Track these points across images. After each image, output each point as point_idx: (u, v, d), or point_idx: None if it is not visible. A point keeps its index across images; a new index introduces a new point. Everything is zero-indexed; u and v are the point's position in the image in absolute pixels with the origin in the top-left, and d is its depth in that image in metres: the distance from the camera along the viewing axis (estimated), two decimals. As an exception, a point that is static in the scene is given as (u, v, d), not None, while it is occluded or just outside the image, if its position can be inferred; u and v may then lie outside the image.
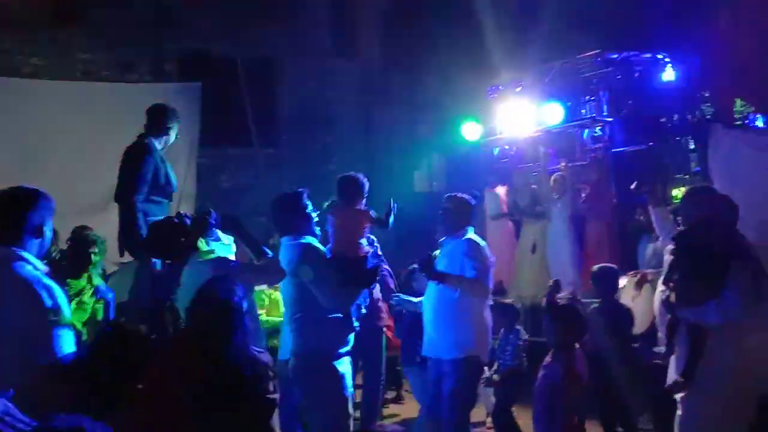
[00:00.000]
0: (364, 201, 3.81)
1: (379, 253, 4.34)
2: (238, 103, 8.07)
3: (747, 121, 11.40)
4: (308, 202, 3.61)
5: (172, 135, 4.33)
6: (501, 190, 8.06)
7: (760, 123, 11.48)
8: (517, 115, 7.70)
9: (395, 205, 3.82)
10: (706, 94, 8.12)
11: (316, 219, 3.67)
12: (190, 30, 9.12)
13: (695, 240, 3.23)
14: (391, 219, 3.81)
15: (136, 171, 4.08)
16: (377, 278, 3.85)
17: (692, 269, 3.20)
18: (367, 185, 3.82)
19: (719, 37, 6.59)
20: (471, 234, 4.10)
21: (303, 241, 3.51)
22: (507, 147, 8.53)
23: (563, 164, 7.44)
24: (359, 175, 3.83)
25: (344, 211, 3.77)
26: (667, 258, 3.89)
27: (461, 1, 8.88)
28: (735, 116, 8.92)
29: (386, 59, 11.10)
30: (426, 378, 4.15)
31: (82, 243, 4.07)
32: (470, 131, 8.32)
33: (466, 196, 4.22)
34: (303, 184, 4.13)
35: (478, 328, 3.96)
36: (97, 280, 4.01)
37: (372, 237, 4.23)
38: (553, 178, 7.27)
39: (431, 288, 4.04)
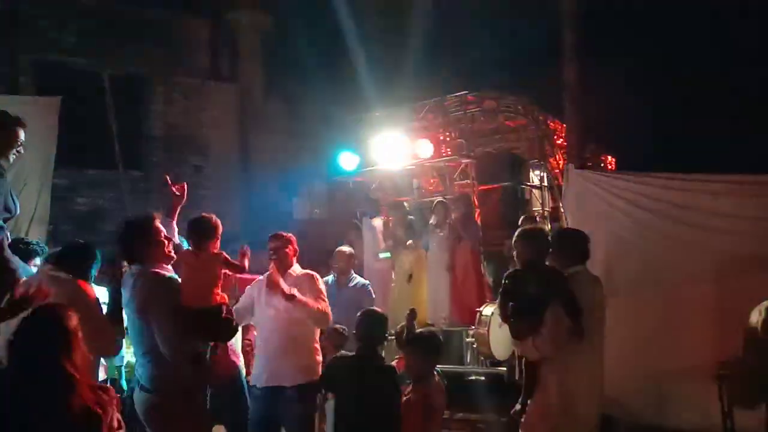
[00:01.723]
0: (217, 243, 3.52)
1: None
2: (101, 120, 7.57)
3: (600, 162, 12.58)
4: (159, 228, 3.36)
5: (18, 145, 3.67)
6: (378, 223, 8.18)
7: (610, 164, 12.70)
8: (392, 148, 7.92)
9: (248, 248, 3.66)
10: (563, 135, 8.87)
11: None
12: (50, 41, 8.53)
13: (521, 281, 3.52)
14: (246, 264, 3.62)
15: None
16: (234, 332, 3.60)
17: (517, 308, 3.50)
18: (219, 227, 3.53)
19: (571, 82, 7.22)
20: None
21: (156, 272, 3.28)
22: (383, 178, 8.73)
23: (440, 198, 7.72)
24: (212, 216, 3.56)
25: (193, 256, 3.44)
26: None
27: (341, 35, 9.06)
28: (587, 156, 9.80)
29: (265, 86, 11.03)
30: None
31: None
32: (347, 161, 8.43)
33: (288, 234, 4.26)
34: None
35: (317, 356, 4.14)
36: None
37: None
38: (434, 205, 7.48)
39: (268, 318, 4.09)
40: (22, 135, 3.63)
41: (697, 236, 4.97)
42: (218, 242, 3.53)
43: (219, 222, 3.55)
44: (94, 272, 3.79)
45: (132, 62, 9.36)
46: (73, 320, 2.24)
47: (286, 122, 10.70)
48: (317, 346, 4.18)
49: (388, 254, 7.74)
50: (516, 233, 3.78)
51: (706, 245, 4.88)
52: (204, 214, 3.59)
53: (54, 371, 2.10)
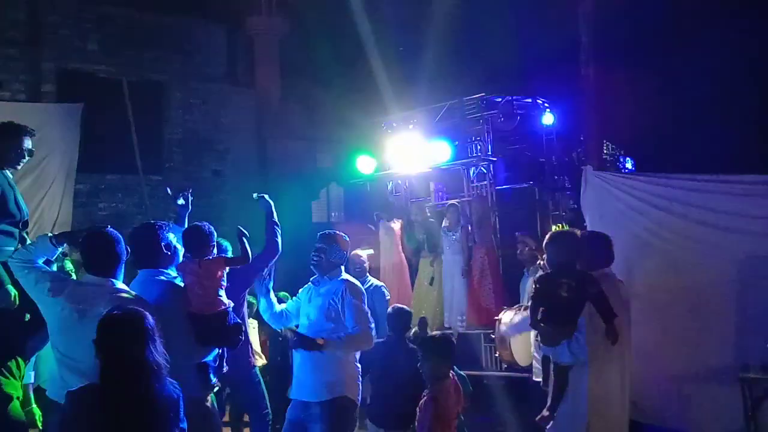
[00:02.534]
0: (213, 251, 3.54)
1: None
2: (122, 126, 7.69)
3: (618, 164, 12.46)
4: (169, 235, 3.38)
5: (24, 153, 3.76)
6: (396, 225, 8.20)
7: (629, 165, 12.58)
8: (409, 152, 7.93)
9: (246, 235, 3.61)
10: (581, 138, 8.81)
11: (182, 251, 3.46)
12: (73, 49, 8.69)
13: (553, 285, 3.48)
14: (248, 249, 3.59)
15: None
16: (240, 337, 3.54)
17: (548, 313, 3.46)
18: (214, 235, 3.55)
19: (589, 85, 7.17)
20: (346, 275, 4.02)
21: (165, 278, 3.31)
22: (400, 181, 8.74)
23: (452, 201, 7.72)
24: (204, 224, 3.55)
25: (193, 265, 3.45)
26: (530, 289, 4.17)
27: (357, 38, 9.10)
28: (605, 158, 9.72)
29: (283, 91, 11.11)
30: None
31: None
32: (365, 165, 8.47)
33: (340, 233, 4.09)
34: (192, 213, 3.95)
35: (348, 370, 3.88)
36: None
37: None
38: (446, 208, 7.49)
39: (301, 330, 3.94)
40: (28, 143, 3.70)
41: (718, 238, 4.91)
42: (215, 249, 3.58)
43: (213, 229, 3.56)
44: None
45: (151, 69, 9.49)
46: (150, 319, 2.38)
47: (303, 127, 10.77)
48: (351, 360, 3.91)
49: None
50: (546, 237, 3.75)
51: (727, 247, 4.82)
52: (197, 223, 3.61)
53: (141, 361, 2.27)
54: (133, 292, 3.12)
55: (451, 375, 3.60)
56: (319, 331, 3.84)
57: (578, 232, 4.03)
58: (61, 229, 6.88)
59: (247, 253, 3.58)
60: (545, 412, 3.51)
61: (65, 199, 7.26)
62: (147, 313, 2.40)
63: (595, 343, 3.35)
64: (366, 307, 3.92)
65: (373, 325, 3.89)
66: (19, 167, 3.78)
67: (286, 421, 3.95)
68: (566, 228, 5.30)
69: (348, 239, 4.11)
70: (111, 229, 3.23)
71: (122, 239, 3.20)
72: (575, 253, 3.56)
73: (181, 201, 3.89)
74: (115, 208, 8.87)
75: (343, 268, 4.04)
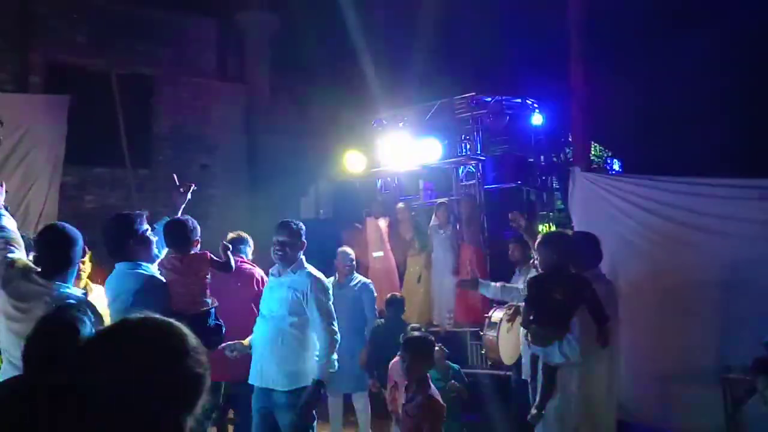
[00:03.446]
0: (196, 247, 3.47)
1: None
2: (110, 119, 7.62)
3: (606, 165, 12.54)
4: (144, 226, 3.25)
5: None
6: (383, 222, 8.21)
7: (616, 166, 12.68)
8: (398, 150, 7.94)
9: (230, 249, 3.60)
10: (570, 139, 8.87)
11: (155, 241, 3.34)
12: (60, 41, 8.60)
13: (546, 287, 3.51)
14: (232, 261, 3.58)
15: None
16: (220, 339, 3.49)
17: (541, 314, 3.48)
18: (198, 229, 3.47)
19: (578, 86, 7.21)
20: (309, 266, 3.95)
21: (144, 271, 3.18)
22: (389, 179, 8.75)
23: (442, 199, 7.74)
24: (187, 218, 3.49)
25: (175, 261, 3.37)
26: (522, 288, 4.19)
27: (348, 35, 9.08)
28: (593, 159, 9.79)
29: (272, 86, 11.07)
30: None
31: None
32: (354, 162, 8.46)
33: (299, 222, 4.00)
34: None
35: (309, 362, 3.84)
36: None
37: None
38: (436, 206, 7.50)
39: (262, 321, 3.93)
40: None
41: (703, 240, 4.97)
42: (198, 244, 3.47)
43: (197, 225, 3.48)
44: None
45: (141, 62, 9.42)
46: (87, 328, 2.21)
47: (293, 122, 10.74)
48: (312, 352, 3.84)
49: (381, 253, 7.78)
50: (539, 239, 3.77)
51: (713, 249, 4.88)
52: (179, 218, 3.53)
53: None
54: (82, 298, 2.84)
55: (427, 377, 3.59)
56: (280, 324, 3.81)
57: (569, 233, 4.05)
58: (47, 222, 6.86)
59: (230, 264, 3.56)
60: (533, 411, 3.54)
61: (51, 192, 7.19)
62: (82, 324, 2.04)
63: (587, 346, 3.38)
64: (330, 303, 3.88)
65: (335, 321, 3.85)
66: None
67: (254, 411, 3.91)
68: (555, 229, 5.35)
69: (304, 227, 3.99)
70: (70, 228, 2.96)
71: (80, 240, 2.94)
72: (567, 255, 3.58)
73: (182, 190, 3.77)
74: (102, 201, 8.79)
75: (304, 258, 3.95)
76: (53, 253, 2.89)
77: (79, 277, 3.68)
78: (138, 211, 3.32)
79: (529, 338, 3.62)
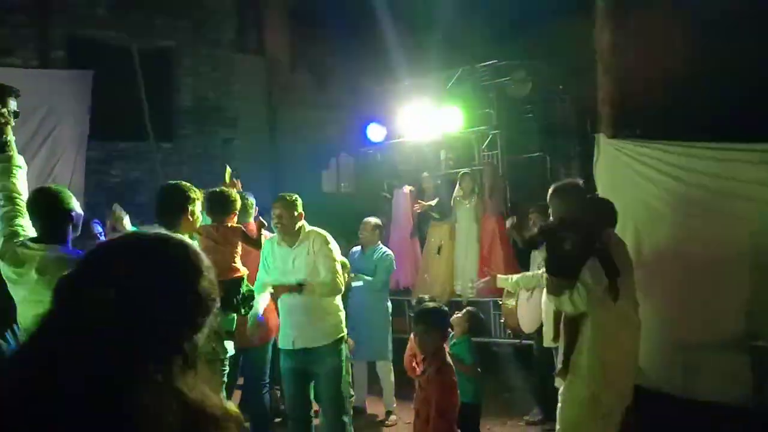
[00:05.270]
0: (234, 218, 3.72)
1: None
2: (132, 93, 7.65)
3: (632, 130, 12.25)
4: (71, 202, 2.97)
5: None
6: (407, 190, 8.18)
7: (640, 132, 12.38)
8: (420, 119, 7.86)
9: (264, 225, 3.87)
10: (595, 105, 8.66)
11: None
12: (81, 15, 8.61)
13: (556, 235, 3.47)
14: (262, 238, 3.79)
15: None
16: (252, 304, 3.72)
17: (552, 263, 3.47)
18: (238, 202, 3.72)
19: (606, 51, 7.00)
20: (307, 225, 4.15)
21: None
22: (410, 150, 8.69)
23: (465, 169, 7.65)
24: (231, 190, 3.74)
25: (211, 229, 3.61)
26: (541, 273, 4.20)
27: (369, 5, 8.93)
28: (619, 125, 9.54)
29: (293, 58, 10.99)
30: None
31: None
32: (375, 133, 8.42)
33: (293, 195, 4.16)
34: (203, 180, 3.99)
35: (340, 314, 4.21)
36: None
37: None
38: (460, 176, 7.43)
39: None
40: (12, 105, 3.36)
41: (733, 207, 4.86)
42: (235, 216, 3.68)
43: (238, 197, 3.68)
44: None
45: (160, 35, 9.39)
46: None
47: (313, 94, 10.66)
48: (337, 303, 4.20)
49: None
50: (551, 189, 3.68)
51: (741, 215, 4.77)
52: (223, 188, 3.70)
53: None
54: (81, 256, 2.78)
55: (445, 347, 3.58)
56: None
57: (581, 182, 3.92)
58: (75, 196, 6.96)
59: (260, 242, 3.79)
60: (558, 365, 3.60)
61: (77, 167, 7.29)
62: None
63: (598, 297, 3.37)
64: (335, 254, 4.09)
65: (340, 274, 4.08)
66: (8, 133, 3.50)
67: (286, 370, 4.15)
68: (572, 181, 5.20)
69: (300, 200, 4.16)
70: (56, 189, 2.92)
71: (71, 200, 2.86)
72: (580, 206, 3.53)
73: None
74: (127, 176, 8.90)
75: (305, 224, 4.14)
76: (43, 220, 2.87)
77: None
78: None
79: (545, 286, 3.63)
